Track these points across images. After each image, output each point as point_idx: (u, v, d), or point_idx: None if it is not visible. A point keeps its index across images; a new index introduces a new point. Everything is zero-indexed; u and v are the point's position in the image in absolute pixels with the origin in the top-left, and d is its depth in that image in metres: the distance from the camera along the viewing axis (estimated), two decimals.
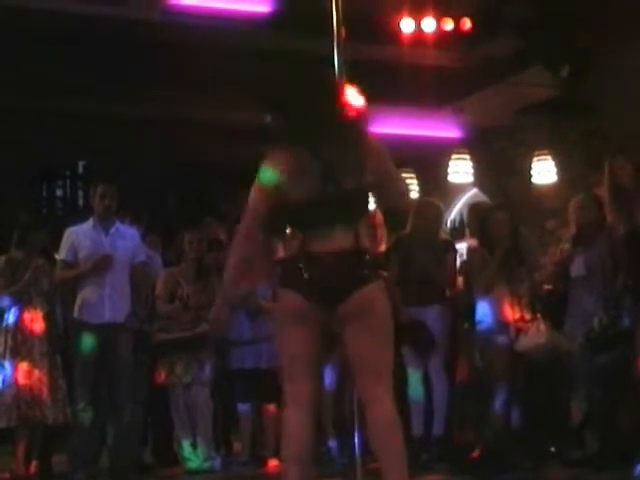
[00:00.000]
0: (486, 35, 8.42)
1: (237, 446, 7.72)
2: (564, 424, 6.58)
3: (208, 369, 7.17)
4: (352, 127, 3.80)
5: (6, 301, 6.90)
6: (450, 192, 10.98)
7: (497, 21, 8.30)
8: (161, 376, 7.15)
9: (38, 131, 9.81)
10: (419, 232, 6.95)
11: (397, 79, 9.07)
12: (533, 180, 9.47)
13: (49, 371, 6.80)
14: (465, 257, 7.30)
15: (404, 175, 10.12)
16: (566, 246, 6.68)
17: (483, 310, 6.49)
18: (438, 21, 8.29)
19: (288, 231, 3.91)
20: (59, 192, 17.15)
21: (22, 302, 6.88)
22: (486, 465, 6.30)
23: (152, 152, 11.44)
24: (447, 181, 10.19)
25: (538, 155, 9.38)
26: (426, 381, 6.86)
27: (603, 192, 6.46)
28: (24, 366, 6.76)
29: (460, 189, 11.03)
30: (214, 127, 9.96)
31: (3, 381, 6.76)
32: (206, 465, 7.07)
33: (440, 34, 8.31)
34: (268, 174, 3.78)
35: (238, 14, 7.59)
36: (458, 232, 9.90)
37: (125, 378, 6.70)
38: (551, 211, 8.06)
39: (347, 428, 6.21)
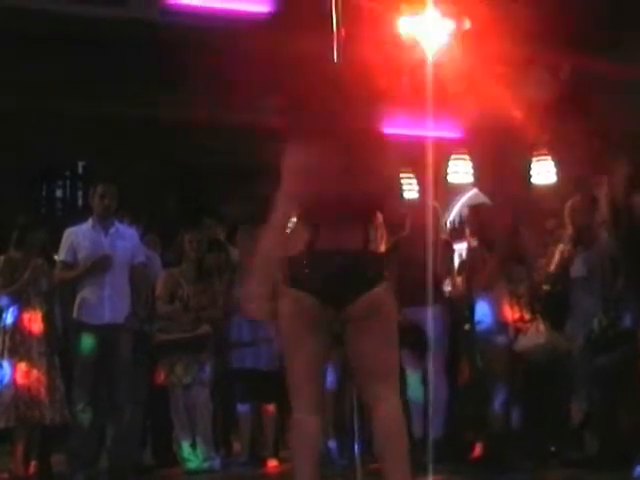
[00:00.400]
0: (486, 35, 8.42)
1: (236, 446, 7.72)
2: (564, 425, 6.58)
3: (208, 370, 7.17)
4: (373, 128, 3.76)
5: (4, 301, 6.89)
6: (449, 192, 10.98)
7: (498, 22, 8.30)
8: (161, 377, 7.14)
9: (38, 131, 9.82)
10: (417, 233, 6.95)
11: (397, 80, 9.08)
12: (532, 180, 9.48)
13: (47, 371, 6.79)
14: (465, 257, 7.31)
15: (404, 176, 10.13)
16: (567, 247, 6.68)
17: (482, 310, 6.49)
18: (438, 21, 8.30)
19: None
20: (59, 192, 17.11)
21: (21, 302, 6.87)
22: (486, 465, 6.30)
23: (152, 153, 11.44)
24: (446, 181, 10.18)
25: (537, 155, 9.38)
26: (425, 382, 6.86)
27: (603, 193, 6.47)
28: (22, 366, 6.75)
29: (459, 189, 11.03)
30: (214, 127, 9.95)
31: (1, 381, 6.76)
32: (205, 465, 7.07)
33: (440, 35, 8.31)
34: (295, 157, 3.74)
35: (237, 14, 7.59)
36: (458, 232, 9.89)
37: (124, 379, 6.69)
38: (550, 211, 8.05)
39: (347, 429, 6.22)
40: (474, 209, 7.69)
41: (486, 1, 8.26)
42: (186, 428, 7.16)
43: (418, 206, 7.37)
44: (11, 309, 6.87)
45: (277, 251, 3.75)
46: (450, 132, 9.82)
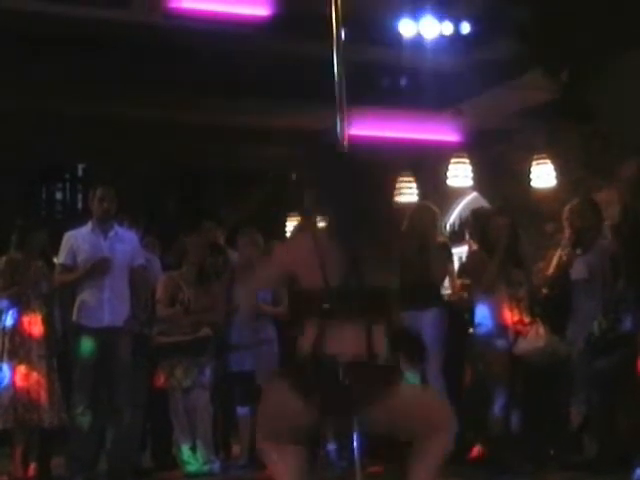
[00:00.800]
0: (486, 38, 8.43)
1: (236, 449, 7.72)
2: (563, 428, 6.58)
3: (208, 373, 7.17)
4: (388, 224, 3.75)
5: (4, 303, 6.89)
6: (449, 196, 10.98)
7: (497, 24, 8.31)
8: (160, 379, 7.15)
9: (38, 133, 9.82)
10: (415, 236, 6.95)
11: (397, 82, 9.10)
12: (532, 183, 9.47)
13: (46, 374, 6.79)
14: (465, 260, 7.31)
15: (403, 178, 10.15)
16: (566, 250, 6.69)
17: (482, 313, 6.49)
18: (438, 24, 8.30)
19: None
20: (59, 195, 17.15)
21: (20, 304, 6.86)
22: (485, 468, 6.30)
23: (152, 155, 11.45)
24: (446, 185, 10.19)
25: (537, 158, 9.38)
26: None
27: (604, 196, 6.48)
28: (22, 369, 6.75)
29: (459, 193, 11.03)
30: (214, 130, 9.97)
31: (0, 383, 6.75)
32: (205, 468, 7.07)
33: (440, 37, 8.32)
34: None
35: (238, 17, 7.60)
36: (457, 236, 9.91)
37: (124, 381, 6.69)
38: (550, 214, 8.06)
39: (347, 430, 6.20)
40: (476, 214, 7.69)
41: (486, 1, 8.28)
42: (186, 431, 7.16)
43: (415, 209, 7.39)
44: (11, 311, 6.87)
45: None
46: (450, 135, 9.83)
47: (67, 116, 9.26)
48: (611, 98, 8.58)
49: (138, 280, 6.94)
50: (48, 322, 6.94)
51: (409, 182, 10.23)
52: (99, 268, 6.66)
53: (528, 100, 9.30)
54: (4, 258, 6.96)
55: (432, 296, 6.93)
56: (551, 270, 6.81)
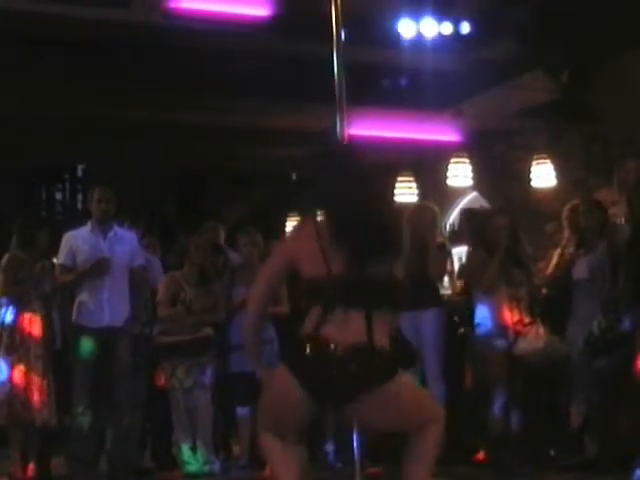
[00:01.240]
0: (486, 38, 8.42)
1: (236, 450, 7.72)
2: (563, 428, 6.58)
3: (209, 373, 7.18)
4: (388, 213, 3.75)
5: (4, 299, 6.89)
6: (449, 196, 10.98)
7: (497, 24, 8.31)
8: (162, 379, 7.15)
9: (38, 134, 9.82)
10: (415, 236, 6.95)
11: (397, 82, 9.09)
12: (532, 184, 9.47)
13: (42, 374, 6.78)
14: (465, 260, 7.31)
15: (403, 178, 10.15)
16: (567, 250, 6.69)
17: (482, 313, 6.49)
18: (437, 24, 8.30)
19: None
20: (58, 195, 17.15)
21: (21, 303, 6.87)
22: (485, 469, 6.30)
23: (152, 155, 11.45)
24: (446, 185, 10.18)
25: (537, 159, 9.38)
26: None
27: (605, 196, 6.48)
28: (19, 366, 6.75)
29: (459, 193, 11.03)
30: (215, 130, 9.97)
31: None
32: (205, 469, 7.07)
33: (440, 37, 8.31)
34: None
35: (238, 17, 7.59)
36: (457, 236, 9.89)
37: (124, 381, 6.70)
38: (550, 215, 8.06)
39: (346, 432, 6.21)
40: (467, 214, 7.68)
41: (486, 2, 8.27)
42: (186, 431, 7.16)
43: (415, 209, 7.39)
44: (10, 308, 6.87)
45: (258, 327, 3.85)
46: (450, 135, 9.82)
47: (67, 116, 9.26)
48: (611, 98, 8.58)
49: (138, 280, 6.95)
50: (47, 323, 6.94)
51: (409, 182, 10.22)
52: (98, 268, 6.66)
53: (528, 100, 9.30)
54: (7, 255, 6.96)
55: (431, 296, 6.93)
56: (551, 270, 6.81)
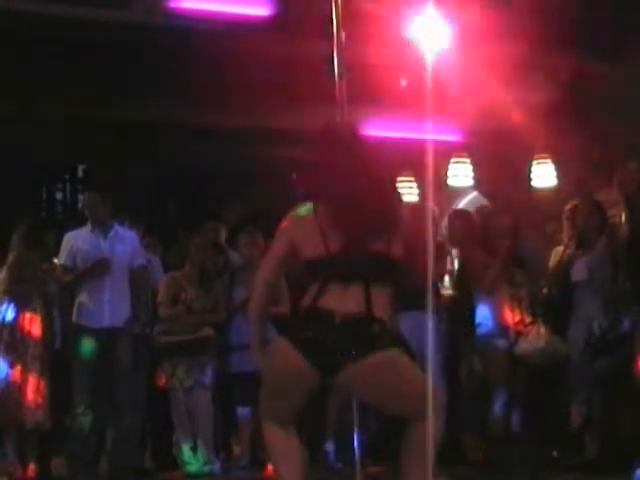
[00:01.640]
0: (486, 37, 8.42)
1: (237, 450, 7.72)
2: (564, 428, 6.58)
3: (210, 373, 7.17)
4: (387, 192, 3.77)
5: (5, 298, 6.89)
6: (450, 196, 10.97)
7: (497, 24, 8.30)
8: (162, 379, 7.15)
9: (38, 134, 9.81)
10: (414, 235, 6.94)
11: (397, 81, 9.08)
12: (533, 184, 9.47)
13: (39, 375, 6.78)
14: (459, 261, 7.30)
15: (404, 178, 10.14)
16: (567, 250, 6.68)
17: (483, 313, 6.48)
18: (437, 23, 8.28)
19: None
20: (59, 195, 17.11)
21: (22, 302, 6.86)
22: (486, 469, 6.30)
23: (152, 155, 11.44)
24: (447, 184, 10.18)
25: (538, 159, 9.38)
26: None
27: (605, 197, 6.48)
28: (17, 366, 6.75)
29: (460, 193, 11.02)
30: (215, 130, 9.96)
31: None
32: (206, 469, 7.07)
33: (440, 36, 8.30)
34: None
35: (238, 17, 7.59)
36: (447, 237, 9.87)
37: (125, 381, 6.70)
38: (551, 215, 8.06)
39: (346, 431, 6.21)
40: (456, 214, 7.65)
41: (486, 3, 8.26)
42: (187, 431, 7.16)
43: (415, 208, 7.37)
44: (11, 306, 6.87)
45: (263, 312, 3.82)
46: (450, 135, 9.82)
47: (67, 116, 9.25)
48: (612, 98, 8.58)
49: (138, 280, 6.95)
50: (47, 323, 6.94)
51: (409, 182, 10.21)
52: (99, 268, 6.66)
53: (529, 100, 9.29)
54: (14, 253, 6.94)
55: (431, 296, 6.92)
56: (551, 270, 6.80)
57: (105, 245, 6.78)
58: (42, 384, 6.76)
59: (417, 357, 6.42)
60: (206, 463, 7.08)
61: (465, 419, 6.83)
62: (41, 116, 9.20)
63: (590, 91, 8.80)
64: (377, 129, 9.07)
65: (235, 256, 7.82)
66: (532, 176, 9.44)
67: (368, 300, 3.55)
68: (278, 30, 7.67)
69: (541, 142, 9.49)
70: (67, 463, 6.92)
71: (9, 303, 6.87)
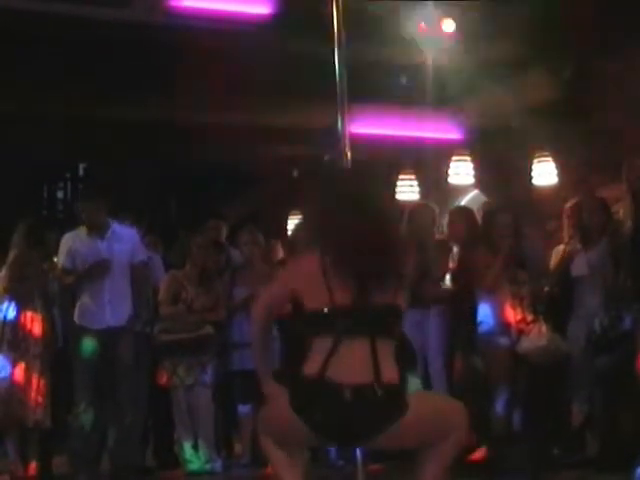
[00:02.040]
0: (487, 36, 8.42)
1: (238, 448, 7.72)
2: (565, 426, 6.58)
3: (210, 371, 7.18)
4: (392, 241, 3.60)
5: (7, 296, 6.89)
6: (451, 194, 10.97)
7: (497, 22, 8.30)
8: (163, 377, 7.15)
9: (39, 133, 9.82)
10: (414, 235, 6.96)
11: (398, 80, 9.09)
12: (534, 181, 9.47)
13: (39, 374, 6.78)
14: (459, 258, 7.30)
15: (404, 176, 10.14)
16: (567, 247, 6.69)
17: (485, 311, 6.49)
18: (438, 22, 8.30)
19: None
20: (60, 194, 17.13)
21: (23, 300, 6.87)
22: (487, 467, 6.30)
23: (153, 154, 11.44)
24: (447, 182, 10.18)
25: (539, 156, 9.37)
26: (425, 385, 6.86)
27: (606, 194, 6.48)
28: (20, 364, 6.76)
29: (461, 191, 11.02)
30: (216, 129, 9.96)
31: None
32: (207, 467, 7.08)
33: (440, 35, 8.31)
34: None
35: (239, 16, 7.59)
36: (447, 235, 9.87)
37: (126, 380, 6.70)
38: (551, 213, 8.05)
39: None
40: (457, 211, 7.65)
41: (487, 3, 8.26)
42: (188, 429, 7.17)
43: (414, 208, 7.39)
44: (13, 304, 6.87)
45: (266, 344, 3.74)
46: (451, 133, 9.82)
47: (67, 116, 9.26)
48: (613, 96, 8.58)
49: (139, 276, 6.92)
50: (48, 321, 6.95)
51: (410, 180, 10.22)
52: (97, 270, 6.65)
53: (530, 98, 9.29)
54: (15, 252, 6.94)
55: (434, 294, 6.94)
56: (552, 268, 6.81)
57: (103, 246, 6.76)
58: (42, 383, 6.77)
59: (418, 355, 6.43)
60: (207, 461, 7.10)
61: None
62: (41, 115, 9.21)
63: (591, 89, 8.80)
64: (378, 127, 9.10)
65: (236, 254, 7.82)
66: (533, 174, 9.43)
67: (376, 360, 3.39)
68: (279, 28, 7.66)
69: (541, 140, 9.49)
70: (68, 461, 6.93)
71: (10, 302, 6.88)
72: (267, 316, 3.68)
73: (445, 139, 9.91)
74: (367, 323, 3.44)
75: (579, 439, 6.52)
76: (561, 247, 6.76)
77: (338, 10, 4.92)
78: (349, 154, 4.74)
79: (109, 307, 6.68)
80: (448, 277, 7.38)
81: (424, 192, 10.18)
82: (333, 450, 7.08)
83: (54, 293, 6.98)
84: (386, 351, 3.45)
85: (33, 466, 6.87)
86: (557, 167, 9.29)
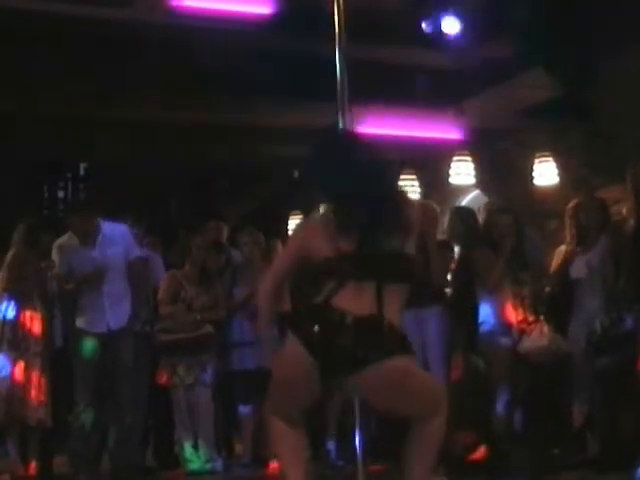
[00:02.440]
0: (488, 36, 8.42)
1: (238, 448, 7.72)
2: (566, 426, 6.57)
3: (210, 370, 7.18)
4: (391, 190, 3.78)
5: (6, 295, 6.89)
6: (452, 194, 10.97)
7: (499, 22, 8.30)
8: (163, 377, 7.15)
9: (39, 132, 9.81)
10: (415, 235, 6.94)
11: (398, 80, 9.08)
12: (534, 181, 9.47)
13: (39, 373, 6.78)
14: (460, 258, 7.30)
15: (406, 176, 10.14)
16: (568, 248, 6.68)
17: (486, 311, 6.48)
18: (439, 22, 8.29)
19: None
20: (60, 193, 17.12)
21: (23, 300, 6.87)
22: (488, 467, 6.29)
23: (154, 154, 11.44)
24: (449, 183, 10.18)
25: (539, 157, 9.38)
26: None
27: (606, 195, 6.46)
28: (20, 363, 6.75)
29: (462, 191, 11.02)
30: (216, 129, 9.96)
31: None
32: (207, 467, 7.08)
33: (442, 35, 8.31)
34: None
35: (241, 15, 7.59)
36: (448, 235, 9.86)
37: (126, 380, 6.70)
38: (552, 212, 8.05)
39: (348, 429, 6.21)
40: (458, 211, 7.65)
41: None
42: (188, 429, 7.16)
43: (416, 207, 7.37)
44: (12, 303, 6.87)
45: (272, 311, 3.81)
46: (452, 133, 9.82)
47: (67, 116, 9.25)
48: (613, 96, 8.57)
49: (137, 272, 6.89)
50: (48, 321, 6.94)
51: (411, 180, 10.22)
52: (93, 278, 6.64)
53: (530, 98, 9.29)
54: (12, 252, 6.95)
55: (434, 294, 6.93)
56: (554, 268, 6.80)
57: (96, 253, 6.72)
58: (43, 381, 6.77)
59: (419, 354, 6.42)
60: (208, 461, 7.09)
61: (467, 417, 6.83)
62: (41, 115, 9.21)
63: (591, 89, 8.80)
64: (379, 127, 9.10)
65: (236, 254, 7.82)
66: (534, 174, 9.44)
67: (380, 301, 3.52)
68: (281, 28, 7.66)
69: (542, 140, 9.50)
70: (69, 461, 6.92)
71: (9, 301, 6.88)
72: (277, 283, 3.80)
73: (446, 139, 9.91)
74: (372, 269, 3.55)
75: (580, 440, 6.51)
76: (563, 247, 6.75)
77: (339, 10, 4.92)
78: None
79: (109, 312, 6.68)
80: (448, 277, 7.38)
81: (425, 192, 10.18)
82: (333, 450, 7.08)
83: (53, 292, 6.97)
84: (392, 297, 3.56)
85: (33, 466, 6.86)
86: (558, 167, 9.30)
